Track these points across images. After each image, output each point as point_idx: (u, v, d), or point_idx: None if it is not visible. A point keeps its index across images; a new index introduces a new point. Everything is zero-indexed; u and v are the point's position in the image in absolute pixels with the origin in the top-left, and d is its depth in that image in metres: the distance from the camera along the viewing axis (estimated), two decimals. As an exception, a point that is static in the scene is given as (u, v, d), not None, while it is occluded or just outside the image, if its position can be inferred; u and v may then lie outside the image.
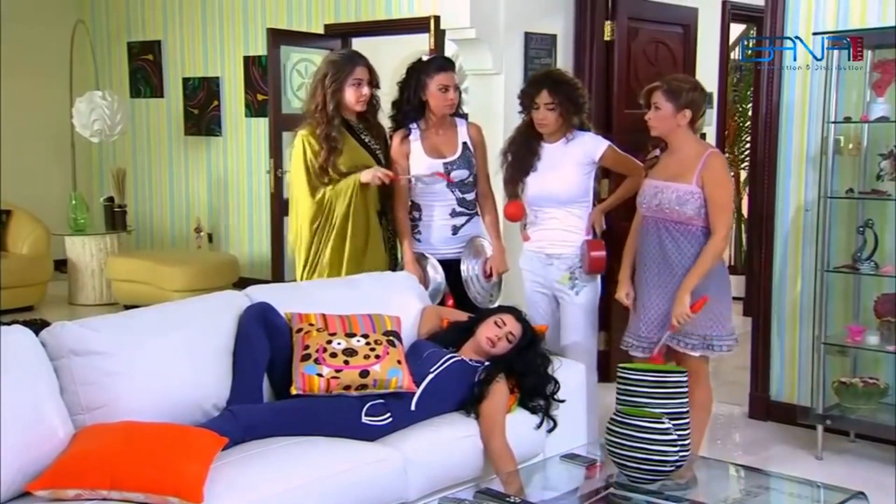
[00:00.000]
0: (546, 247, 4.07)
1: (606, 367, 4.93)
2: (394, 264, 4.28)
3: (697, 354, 3.75)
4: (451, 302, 4.14)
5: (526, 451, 3.41)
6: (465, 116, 4.24)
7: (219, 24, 7.93)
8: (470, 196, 4.19)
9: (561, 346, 4.04)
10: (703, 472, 3.38)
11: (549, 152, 4.03)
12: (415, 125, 4.14)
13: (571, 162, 4.00)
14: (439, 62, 4.13)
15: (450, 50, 5.67)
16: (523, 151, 4.04)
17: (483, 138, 4.21)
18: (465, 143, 4.16)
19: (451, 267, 4.15)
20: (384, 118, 4.28)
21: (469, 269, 4.12)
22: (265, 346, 3.24)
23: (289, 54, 6.60)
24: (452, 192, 4.14)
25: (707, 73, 6.49)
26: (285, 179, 4.24)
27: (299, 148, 4.07)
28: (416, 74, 4.09)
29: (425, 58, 4.22)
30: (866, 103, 4.34)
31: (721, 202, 3.68)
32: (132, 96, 8.64)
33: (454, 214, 4.16)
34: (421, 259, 4.15)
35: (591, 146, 4.03)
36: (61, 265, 7.95)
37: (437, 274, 4.13)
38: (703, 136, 6.66)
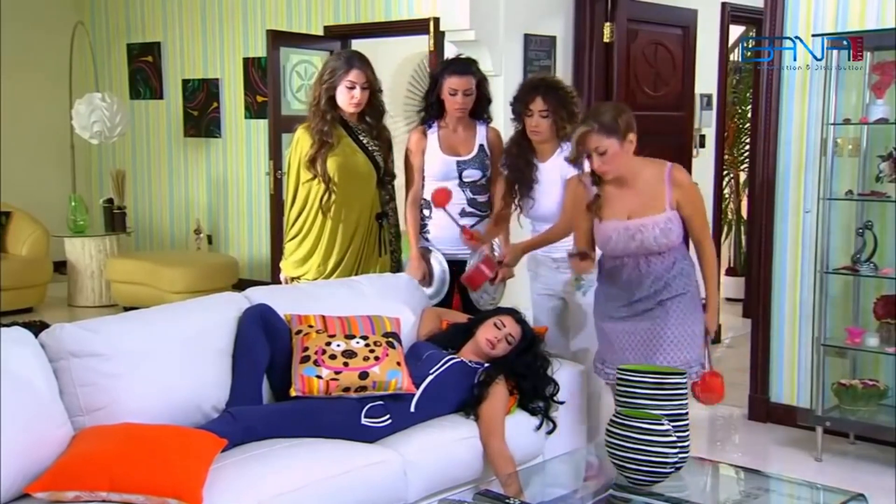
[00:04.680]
0: (553, 251, 4.04)
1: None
2: (395, 266, 4.29)
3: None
4: (456, 303, 4.14)
5: (525, 453, 3.41)
6: (487, 121, 4.23)
7: (218, 25, 7.93)
8: (482, 198, 4.19)
9: (571, 349, 4.03)
10: (703, 474, 3.38)
11: (542, 173, 3.96)
12: (434, 122, 4.17)
13: (562, 183, 3.92)
14: (453, 66, 4.15)
15: (449, 52, 5.67)
16: (521, 165, 3.97)
17: (501, 143, 4.18)
18: (481, 146, 4.17)
19: (458, 267, 4.15)
20: (389, 119, 4.30)
21: (469, 268, 4.11)
22: (264, 348, 3.24)
23: (288, 56, 6.61)
24: (463, 191, 4.15)
25: (706, 75, 6.50)
26: (284, 181, 4.26)
27: (294, 142, 4.15)
28: (438, 73, 4.17)
29: (460, 55, 4.33)
30: (866, 105, 4.34)
31: (701, 216, 3.54)
32: (132, 98, 8.64)
33: (463, 214, 4.17)
34: (425, 253, 4.16)
35: (566, 168, 3.83)
36: (61, 267, 7.94)
37: (441, 265, 4.14)
38: (703, 137, 6.71)
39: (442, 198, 4.15)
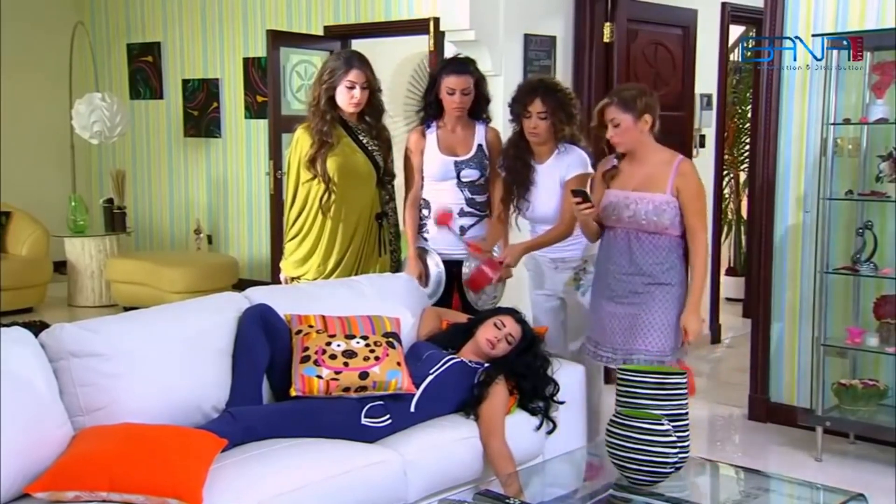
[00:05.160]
0: (550, 252, 4.05)
1: (607, 368, 4.91)
2: (394, 266, 4.29)
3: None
4: (456, 303, 4.14)
5: (525, 453, 3.41)
6: (486, 121, 4.22)
7: (218, 25, 7.93)
8: (480, 198, 4.19)
9: (571, 349, 4.02)
10: (703, 474, 3.38)
11: (540, 175, 3.97)
12: (433, 122, 4.17)
13: (560, 185, 3.94)
14: (451, 66, 4.14)
15: (449, 52, 5.68)
16: (519, 166, 3.98)
17: (500, 143, 4.18)
18: (480, 146, 4.16)
19: (457, 267, 4.13)
20: (389, 119, 4.30)
21: (470, 269, 4.11)
22: (264, 348, 3.24)
23: (288, 56, 6.61)
24: (462, 191, 4.14)
25: (706, 75, 6.49)
26: (284, 181, 4.27)
27: (294, 141, 4.15)
28: (436, 73, 4.17)
29: (458, 54, 4.32)
30: (866, 105, 4.34)
31: (698, 209, 3.63)
32: (132, 98, 8.64)
33: (462, 214, 4.16)
34: (422, 253, 4.16)
35: (565, 169, 3.94)
36: (61, 267, 7.94)
37: (438, 267, 4.13)
38: (703, 137, 6.70)
39: (444, 219, 4.15)
